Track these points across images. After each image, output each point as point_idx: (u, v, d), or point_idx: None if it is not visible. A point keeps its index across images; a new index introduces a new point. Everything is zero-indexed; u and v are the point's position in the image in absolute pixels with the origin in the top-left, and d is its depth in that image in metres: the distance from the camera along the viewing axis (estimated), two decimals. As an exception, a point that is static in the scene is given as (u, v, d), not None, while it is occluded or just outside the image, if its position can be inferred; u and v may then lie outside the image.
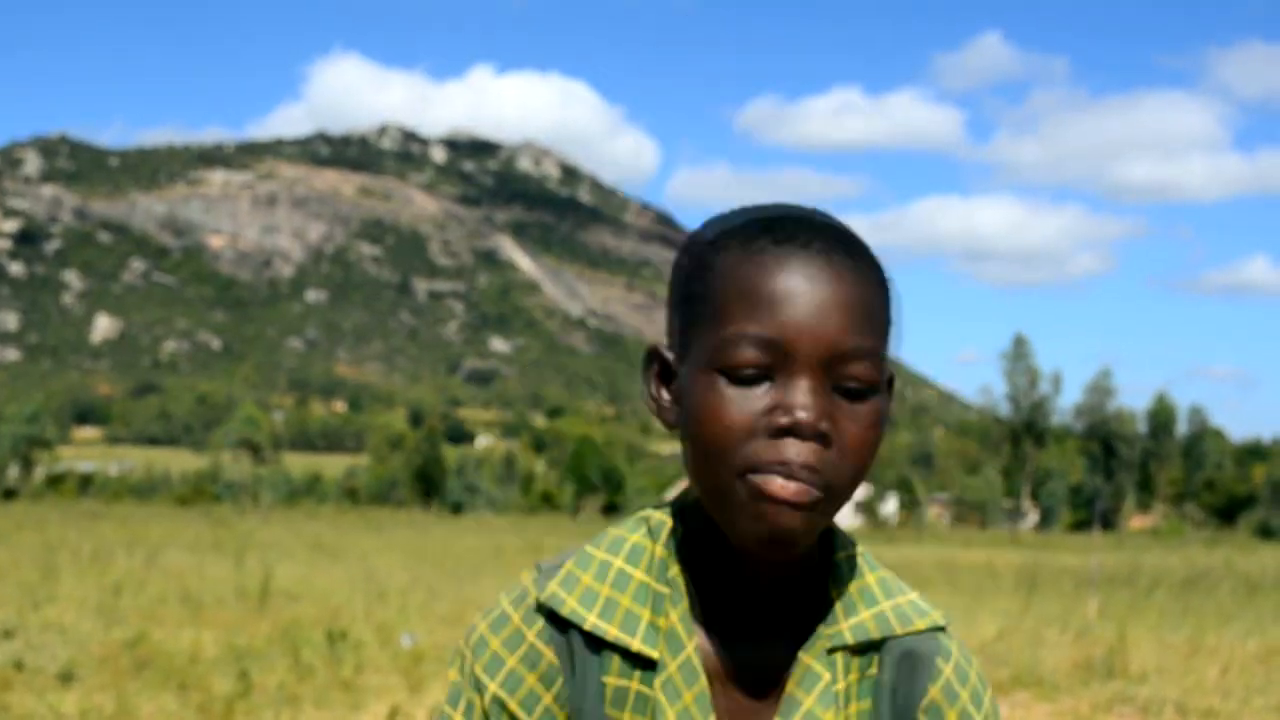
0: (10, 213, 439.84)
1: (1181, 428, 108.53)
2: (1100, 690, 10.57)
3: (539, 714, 1.29)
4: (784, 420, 1.17)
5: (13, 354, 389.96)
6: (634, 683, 1.28)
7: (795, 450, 1.17)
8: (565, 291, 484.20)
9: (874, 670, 1.31)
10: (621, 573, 1.30)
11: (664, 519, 1.33)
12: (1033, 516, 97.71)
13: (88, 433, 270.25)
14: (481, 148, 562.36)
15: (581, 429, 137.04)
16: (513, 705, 1.29)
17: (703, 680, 1.27)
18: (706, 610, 1.30)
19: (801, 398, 1.17)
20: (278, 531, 36.77)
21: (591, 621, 1.27)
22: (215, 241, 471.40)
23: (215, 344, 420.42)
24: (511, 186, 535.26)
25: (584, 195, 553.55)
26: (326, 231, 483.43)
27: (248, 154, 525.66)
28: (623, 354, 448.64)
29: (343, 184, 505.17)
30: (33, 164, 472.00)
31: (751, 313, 1.18)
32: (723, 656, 1.30)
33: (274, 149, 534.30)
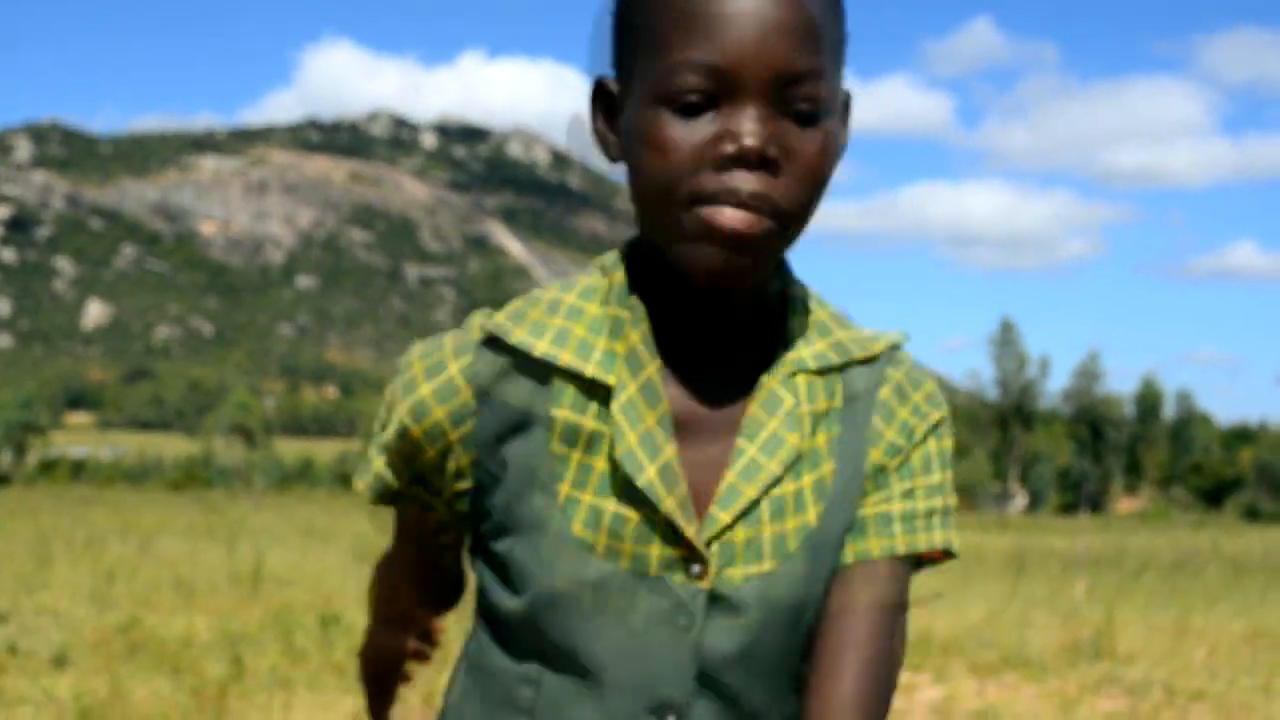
0: (1, 199, 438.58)
1: (1169, 412, 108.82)
2: (1088, 671, 10.64)
3: (440, 448, 1.25)
4: (730, 148, 1.12)
5: (5, 340, 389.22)
6: (588, 418, 1.21)
7: (744, 179, 1.12)
8: (556, 277, 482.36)
9: (838, 402, 1.25)
10: (574, 307, 1.24)
11: (616, 258, 1.27)
12: (1021, 499, 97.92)
13: (80, 418, 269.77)
14: (472, 134, 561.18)
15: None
16: (416, 431, 1.25)
17: (666, 402, 1.20)
18: (665, 341, 1.23)
19: (748, 124, 1.12)
20: (270, 517, 36.80)
21: (542, 349, 1.21)
22: (207, 228, 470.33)
23: (207, 330, 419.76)
24: (502, 172, 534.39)
25: (574, 181, 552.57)
26: (317, 217, 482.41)
27: (239, 140, 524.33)
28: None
29: (334, 170, 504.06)
30: (24, 150, 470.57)
31: (692, 39, 1.12)
32: (684, 386, 1.23)
33: (265, 135, 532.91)
